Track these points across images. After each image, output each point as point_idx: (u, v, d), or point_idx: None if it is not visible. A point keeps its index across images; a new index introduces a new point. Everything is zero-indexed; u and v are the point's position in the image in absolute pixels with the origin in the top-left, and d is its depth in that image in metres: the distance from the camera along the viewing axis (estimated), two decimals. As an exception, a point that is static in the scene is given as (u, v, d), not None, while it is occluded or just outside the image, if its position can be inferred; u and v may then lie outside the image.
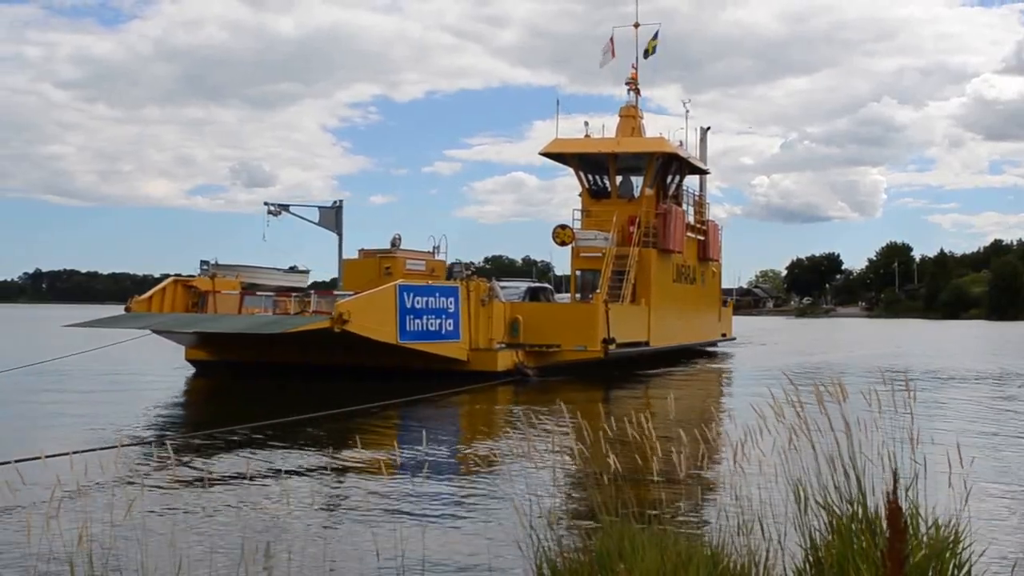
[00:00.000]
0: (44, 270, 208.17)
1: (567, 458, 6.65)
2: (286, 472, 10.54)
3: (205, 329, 21.16)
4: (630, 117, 33.44)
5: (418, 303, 21.14)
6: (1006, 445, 13.30)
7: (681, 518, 7.72)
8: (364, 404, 16.62)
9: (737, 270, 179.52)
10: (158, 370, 25.10)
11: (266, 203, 25.64)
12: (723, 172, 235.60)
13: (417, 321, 21.09)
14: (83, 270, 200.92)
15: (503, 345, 23.71)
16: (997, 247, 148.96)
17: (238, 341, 21.95)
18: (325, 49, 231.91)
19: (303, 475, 10.57)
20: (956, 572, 5.08)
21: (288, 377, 21.66)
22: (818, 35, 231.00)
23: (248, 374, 22.68)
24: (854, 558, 5.03)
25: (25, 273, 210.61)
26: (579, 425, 5.96)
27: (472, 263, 23.40)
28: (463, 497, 9.61)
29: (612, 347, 24.88)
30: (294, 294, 22.60)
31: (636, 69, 33.96)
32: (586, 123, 32.83)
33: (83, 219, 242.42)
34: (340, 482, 10.15)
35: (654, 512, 5.81)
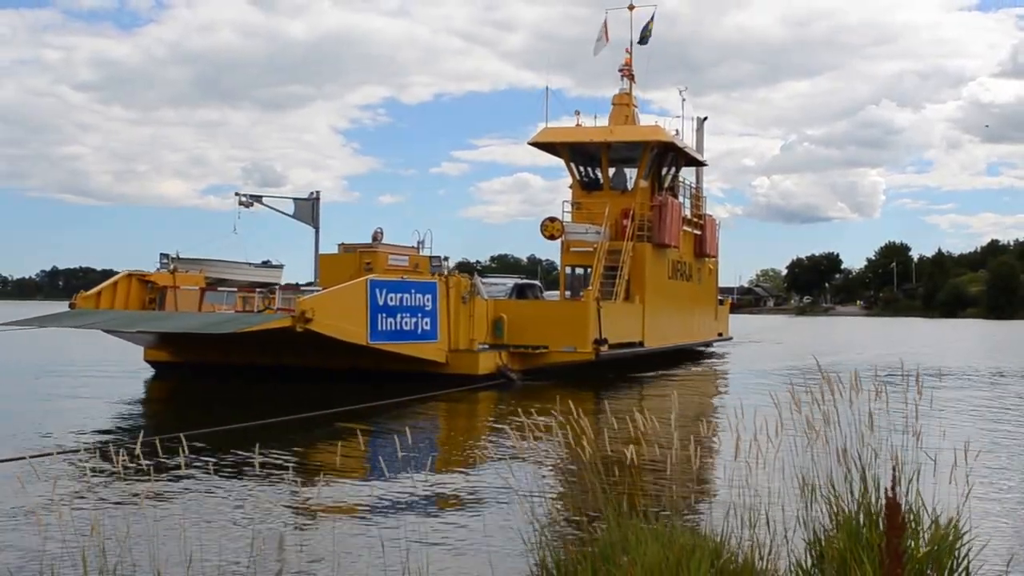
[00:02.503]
0: (60, 268, 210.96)
1: (568, 453, 6.49)
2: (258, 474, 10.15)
3: (151, 328, 19.50)
4: (624, 105, 31.91)
5: (391, 300, 19.54)
6: (1008, 441, 13.77)
7: (686, 512, 7.78)
8: (323, 410, 15.40)
9: (738, 269, 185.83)
10: (107, 374, 23.53)
11: (237, 193, 24.13)
12: (725, 173, 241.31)
13: (390, 320, 19.49)
14: (98, 268, 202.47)
15: (485, 346, 22.16)
16: (994, 247, 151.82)
17: (200, 341, 20.38)
18: (335, 52, 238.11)
19: (282, 478, 10.26)
20: (955, 567, 5.16)
21: (249, 380, 20.21)
22: (819, 39, 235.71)
23: (211, 376, 21.23)
24: (858, 551, 5.08)
25: (42, 271, 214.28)
26: (579, 421, 5.98)
27: (448, 257, 21.68)
28: (462, 493, 9.71)
29: (604, 348, 23.34)
30: (259, 290, 20.96)
31: (630, 54, 32.44)
32: (577, 112, 31.23)
33: (99, 218, 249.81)
34: (333, 485, 9.91)
35: (657, 506, 5.83)
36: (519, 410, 6.81)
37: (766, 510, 5.59)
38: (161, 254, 22.61)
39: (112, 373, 23.62)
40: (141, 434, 6.01)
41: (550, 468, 9.20)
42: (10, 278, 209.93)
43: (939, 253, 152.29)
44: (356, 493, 9.62)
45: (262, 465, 10.42)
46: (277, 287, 20.79)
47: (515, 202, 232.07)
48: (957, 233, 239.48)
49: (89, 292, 21.31)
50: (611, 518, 5.56)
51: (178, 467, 7.33)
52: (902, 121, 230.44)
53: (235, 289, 22.05)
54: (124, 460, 5.53)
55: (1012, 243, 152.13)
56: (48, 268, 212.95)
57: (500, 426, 14.18)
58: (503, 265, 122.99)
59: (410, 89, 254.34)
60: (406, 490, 9.59)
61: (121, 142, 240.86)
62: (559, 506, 6.83)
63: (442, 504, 9.25)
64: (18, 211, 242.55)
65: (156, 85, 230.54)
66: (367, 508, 8.87)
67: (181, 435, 6.48)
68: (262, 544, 7.14)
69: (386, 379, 19.67)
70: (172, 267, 22.46)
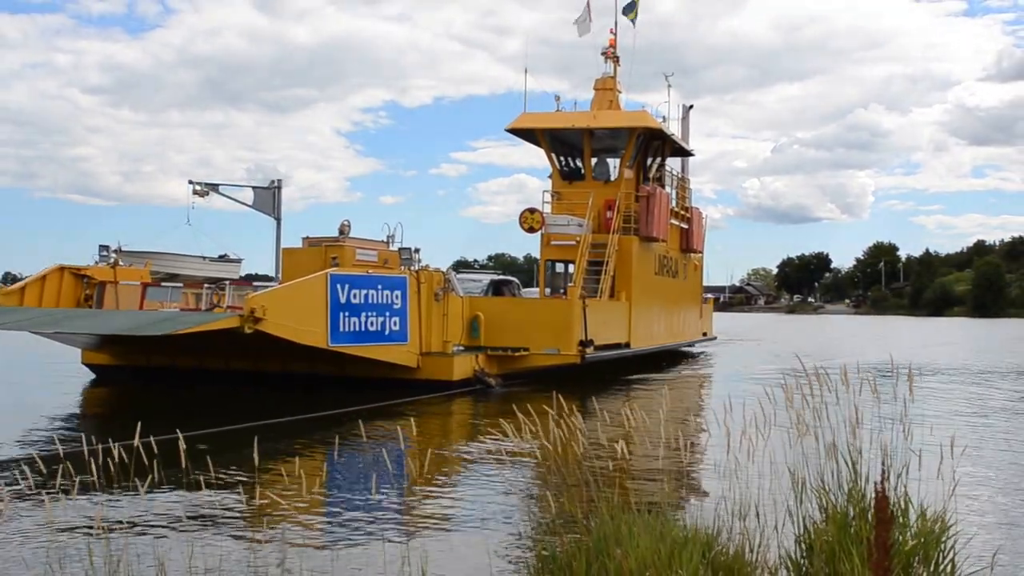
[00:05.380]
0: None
1: (561, 449, 6.40)
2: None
3: (73, 329, 17.43)
4: (607, 90, 30.26)
5: (355, 297, 17.64)
6: (993, 437, 14.36)
7: (678, 505, 7.87)
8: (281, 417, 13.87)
9: (730, 268, 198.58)
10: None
11: (191, 181, 22.30)
12: (717, 174, 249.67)
13: (353, 320, 17.57)
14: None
15: (461, 348, 20.31)
16: (980, 247, 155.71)
17: (142, 343, 18.41)
18: (338, 56, 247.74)
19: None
20: (941, 559, 5.34)
21: (197, 385, 18.35)
22: (809, 44, 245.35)
23: (156, 381, 19.55)
24: (847, 544, 5.29)
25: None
26: (571, 418, 6.14)
27: (419, 249, 19.79)
28: (458, 490, 10.05)
29: (590, 350, 21.60)
30: (207, 286, 18.97)
31: (615, 34, 30.78)
32: (557, 98, 29.54)
33: (106, 217, 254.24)
34: (321, 487, 9.88)
35: (650, 500, 6.38)
36: (514, 407, 6.70)
37: (756, 503, 5.81)
38: (100, 245, 20.63)
39: (48, 377, 21.65)
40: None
41: (544, 464, 9.17)
42: (20, 276, 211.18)
43: (926, 253, 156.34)
44: (348, 493, 9.78)
45: (231, 473, 10.20)
46: (227, 283, 18.70)
47: (512, 202, 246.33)
48: (944, 233, 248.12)
49: (11, 287, 19.24)
50: (605, 512, 5.75)
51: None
52: (890, 124, 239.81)
53: (180, 285, 20.05)
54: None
55: (997, 243, 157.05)
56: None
57: (489, 425, 13.91)
58: (500, 264, 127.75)
59: (411, 92, 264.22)
60: (400, 488, 9.74)
61: (129, 144, 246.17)
62: (554, 501, 6.79)
63: (438, 501, 9.46)
64: (28, 211, 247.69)
65: (164, 88, 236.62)
66: (361, 505, 9.05)
67: (126, 442, 6.07)
68: (262, 543, 7.48)
69: (350, 385, 17.92)
70: (113, 260, 20.44)
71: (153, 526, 7.92)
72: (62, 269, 20.03)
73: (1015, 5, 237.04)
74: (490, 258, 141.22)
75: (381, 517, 8.61)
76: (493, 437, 12.70)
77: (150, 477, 5.48)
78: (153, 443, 5.80)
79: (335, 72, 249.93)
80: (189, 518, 7.90)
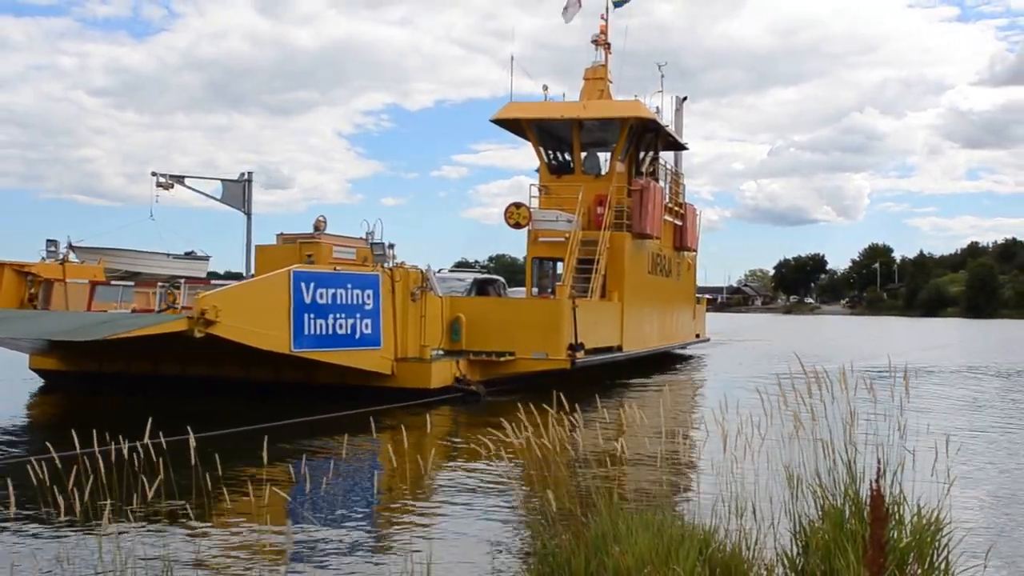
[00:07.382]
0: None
1: (558, 448, 6.55)
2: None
3: (1, 333, 16.49)
4: (598, 80, 29.73)
5: (321, 297, 16.61)
6: (987, 435, 14.85)
7: (675, 502, 8.05)
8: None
9: (727, 269, 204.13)
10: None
11: (154, 173, 21.84)
12: (714, 177, 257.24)
13: (320, 322, 16.55)
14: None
15: (440, 353, 19.70)
16: (973, 249, 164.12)
17: (91, 347, 17.74)
18: (341, 60, 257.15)
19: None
20: (936, 556, 5.58)
21: (147, 391, 17.72)
22: (805, 48, 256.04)
23: (107, 387, 18.89)
24: (842, 541, 5.52)
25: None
26: (570, 416, 6.58)
27: (393, 244, 19.17)
28: (456, 489, 10.39)
29: (580, 355, 20.99)
30: (160, 285, 18.34)
31: (606, 20, 30.27)
32: (545, 87, 29.08)
33: (108, 218, 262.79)
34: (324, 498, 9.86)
35: (648, 497, 6.88)
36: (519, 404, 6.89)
37: (753, 501, 6.02)
38: (48, 241, 19.88)
39: None
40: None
41: (542, 462, 8.98)
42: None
43: (921, 254, 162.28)
44: (340, 496, 9.97)
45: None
46: (183, 281, 18.02)
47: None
48: (938, 235, 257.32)
49: None
50: (603, 509, 5.98)
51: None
52: (885, 127, 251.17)
53: (132, 284, 19.45)
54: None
55: (991, 245, 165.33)
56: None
57: (479, 429, 13.64)
58: (501, 265, 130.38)
59: (412, 96, 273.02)
60: (397, 488, 10.03)
61: (134, 145, 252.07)
62: (552, 498, 6.71)
63: (435, 502, 9.76)
64: (33, 211, 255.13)
65: (168, 91, 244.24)
66: (356, 509, 9.36)
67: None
68: (266, 546, 7.73)
69: (318, 393, 17.13)
70: (62, 257, 19.80)
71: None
72: (2, 266, 18.89)
73: (1007, 11, 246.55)
74: (491, 259, 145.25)
75: (378, 518, 8.94)
76: (488, 437, 12.70)
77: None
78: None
79: (337, 75, 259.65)
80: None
